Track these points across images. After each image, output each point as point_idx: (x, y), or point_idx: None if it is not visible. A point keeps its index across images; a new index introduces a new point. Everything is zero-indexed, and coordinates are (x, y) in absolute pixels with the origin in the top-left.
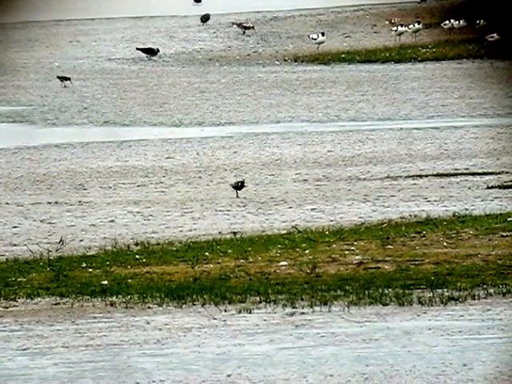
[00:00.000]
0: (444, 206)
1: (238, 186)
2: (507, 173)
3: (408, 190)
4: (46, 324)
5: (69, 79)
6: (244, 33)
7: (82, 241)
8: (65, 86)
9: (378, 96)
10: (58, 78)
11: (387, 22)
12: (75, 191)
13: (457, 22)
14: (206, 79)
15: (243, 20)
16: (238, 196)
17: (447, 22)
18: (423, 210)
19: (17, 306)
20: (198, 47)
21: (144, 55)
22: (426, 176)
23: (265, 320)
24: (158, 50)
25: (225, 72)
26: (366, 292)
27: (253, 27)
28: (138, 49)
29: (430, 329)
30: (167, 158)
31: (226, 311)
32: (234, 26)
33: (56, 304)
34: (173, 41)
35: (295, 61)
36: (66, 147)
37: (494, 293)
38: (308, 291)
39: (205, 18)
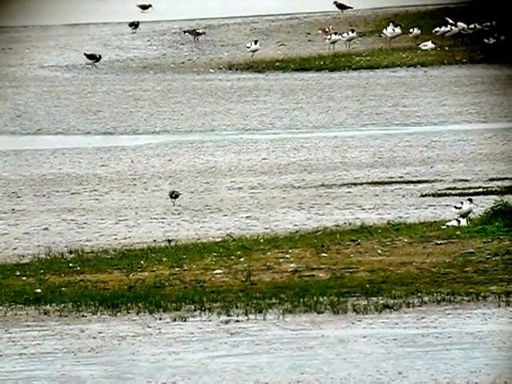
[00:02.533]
0: (378, 214)
1: (174, 194)
2: (441, 181)
3: (343, 197)
4: None
5: None
6: (197, 39)
7: (15, 249)
8: None
9: (312, 104)
10: None
11: (320, 31)
12: (8, 199)
13: (391, 31)
14: (140, 87)
15: (193, 27)
16: (173, 204)
17: (385, 29)
18: (358, 218)
19: None
20: (132, 55)
21: (78, 63)
22: (361, 184)
23: (200, 328)
24: (100, 57)
25: (159, 80)
26: (301, 300)
27: (204, 33)
28: (85, 54)
29: (364, 337)
30: (101, 165)
31: (160, 319)
32: (187, 34)
33: None
34: (106, 48)
35: (229, 69)
36: None
37: (429, 301)
38: (243, 299)
39: (134, 25)
